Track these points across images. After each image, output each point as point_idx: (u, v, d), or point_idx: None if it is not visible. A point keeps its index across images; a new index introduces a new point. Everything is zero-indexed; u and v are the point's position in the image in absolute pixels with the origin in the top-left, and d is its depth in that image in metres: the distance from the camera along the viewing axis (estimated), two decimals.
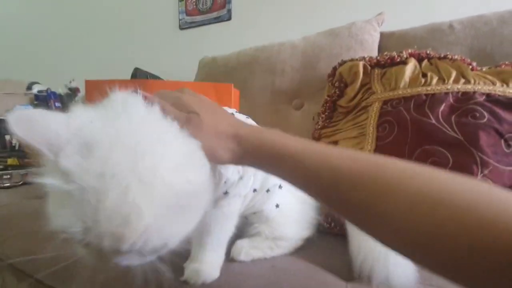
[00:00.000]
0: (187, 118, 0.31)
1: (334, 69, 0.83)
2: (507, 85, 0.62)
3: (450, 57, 0.71)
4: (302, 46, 0.99)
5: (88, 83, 0.68)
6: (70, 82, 1.78)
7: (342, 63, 0.81)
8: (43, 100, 1.57)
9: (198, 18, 1.67)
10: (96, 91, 0.67)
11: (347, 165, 0.26)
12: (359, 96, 0.74)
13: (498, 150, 0.54)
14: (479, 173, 0.52)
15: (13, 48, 2.33)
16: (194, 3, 1.69)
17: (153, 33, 1.87)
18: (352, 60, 0.80)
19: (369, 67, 0.77)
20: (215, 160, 0.31)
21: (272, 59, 0.99)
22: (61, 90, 1.72)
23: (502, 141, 0.55)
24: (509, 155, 0.54)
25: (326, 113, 0.80)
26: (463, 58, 0.71)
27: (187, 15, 1.71)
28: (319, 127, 0.80)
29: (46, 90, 1.65)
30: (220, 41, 1.61)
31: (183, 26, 1.74)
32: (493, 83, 0.63)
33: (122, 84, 0.65)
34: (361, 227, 0.27)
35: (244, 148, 0.31)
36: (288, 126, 0.93)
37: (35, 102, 1.54)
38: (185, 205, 0.26)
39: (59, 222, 0.24)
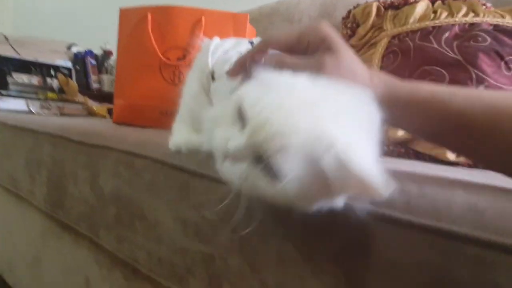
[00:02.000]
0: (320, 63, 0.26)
1: (349, 12, 0.86)
2: None
3: None
4: None
5: (122, 12, 0.76)
6: (105, 44, 1.94)
7: (357, 6, 0.84)
8: (81, 58, 1.73)
9: None
10: (130, 20, 0.75)
11: (507, 104, 0.24)
12: (370, 34, 0.77)
13: (498, 71, 0.56)
14: (473, 88, 0.54)
15: (57, 11, 2.55)
16: None
17: None
18: (366, 3, 0.83)
19: (382, 9, 0.79)
20: None
21: (291, 9, 1.04)
22: (97, 51, 1.89)
23: (503, 63, 0.57)
24: (510, 78, 0.56)
25: None
26: None
27: None
28: None
29: (85, 52, 1.82)
30: None
31: None
32: (503, 17, 0.64)
33: (153, 10, 0.72)
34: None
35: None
36: None
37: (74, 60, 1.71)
38: None
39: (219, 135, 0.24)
